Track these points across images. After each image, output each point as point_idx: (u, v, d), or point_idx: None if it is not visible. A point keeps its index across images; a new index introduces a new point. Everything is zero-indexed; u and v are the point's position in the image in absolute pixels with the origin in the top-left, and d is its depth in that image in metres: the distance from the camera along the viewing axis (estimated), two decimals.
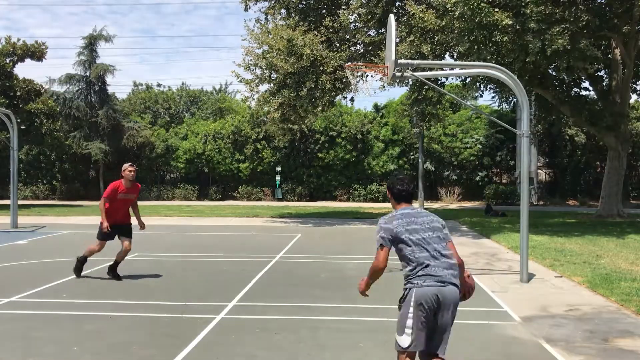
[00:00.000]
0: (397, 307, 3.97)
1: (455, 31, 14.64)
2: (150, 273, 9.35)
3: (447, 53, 17.30)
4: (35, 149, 32.81)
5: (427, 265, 3.81)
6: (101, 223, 8.41)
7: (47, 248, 12.48)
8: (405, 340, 3.80)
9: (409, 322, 3.78)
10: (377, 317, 6.45)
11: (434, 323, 3.83)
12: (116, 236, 8.62)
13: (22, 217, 19.16)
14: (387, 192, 4.28)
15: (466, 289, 4.08)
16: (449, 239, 4.01)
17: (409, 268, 3.88)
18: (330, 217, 21.04)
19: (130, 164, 8.75)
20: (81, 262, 8.81)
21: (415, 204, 28.53)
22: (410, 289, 3.83)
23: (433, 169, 30.66)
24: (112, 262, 8.79)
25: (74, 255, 11.20)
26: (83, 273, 8.92)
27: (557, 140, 30.00)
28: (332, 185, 31.62)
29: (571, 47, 13.88)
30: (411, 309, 3.78)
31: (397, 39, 16.01)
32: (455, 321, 3.57)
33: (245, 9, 19.75)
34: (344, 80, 17.21)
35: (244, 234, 15.43)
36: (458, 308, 3.93)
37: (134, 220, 8.79)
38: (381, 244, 3.91)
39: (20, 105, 26.02)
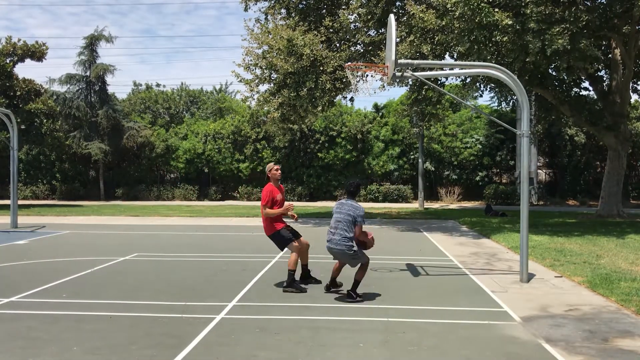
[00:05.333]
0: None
1: (455, 31, 14.63)
2: (150, 273, 9.36)
3: (447, 53, 17.27)
4: (35, 149, 32.79)
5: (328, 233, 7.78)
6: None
7: (47, 248, 12.47)
8: None
9: None
10: (377, 317, 6.45)
11: None
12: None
13: (22, 217, 19.17)
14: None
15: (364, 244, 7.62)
16: (352, 223, 7.57)
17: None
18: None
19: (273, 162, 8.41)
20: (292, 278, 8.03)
21: (415, 204, 28.86)
22: None
23: (433, 168, 30.65)
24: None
25: (74, 255, 11.28)
26: (82, 273, 8.91)
27: (557, 140, 29.99)
28: (332, 185, 31.60)
29: (571, 47, 13.87)
30: None
31: (397, 39, 16.01)
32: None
33: (245, 9, 19.77)
34: (344, 80, 17.20)
35: (244, 234, 15.42)
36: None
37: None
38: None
39: (20, 105, 26.03)
